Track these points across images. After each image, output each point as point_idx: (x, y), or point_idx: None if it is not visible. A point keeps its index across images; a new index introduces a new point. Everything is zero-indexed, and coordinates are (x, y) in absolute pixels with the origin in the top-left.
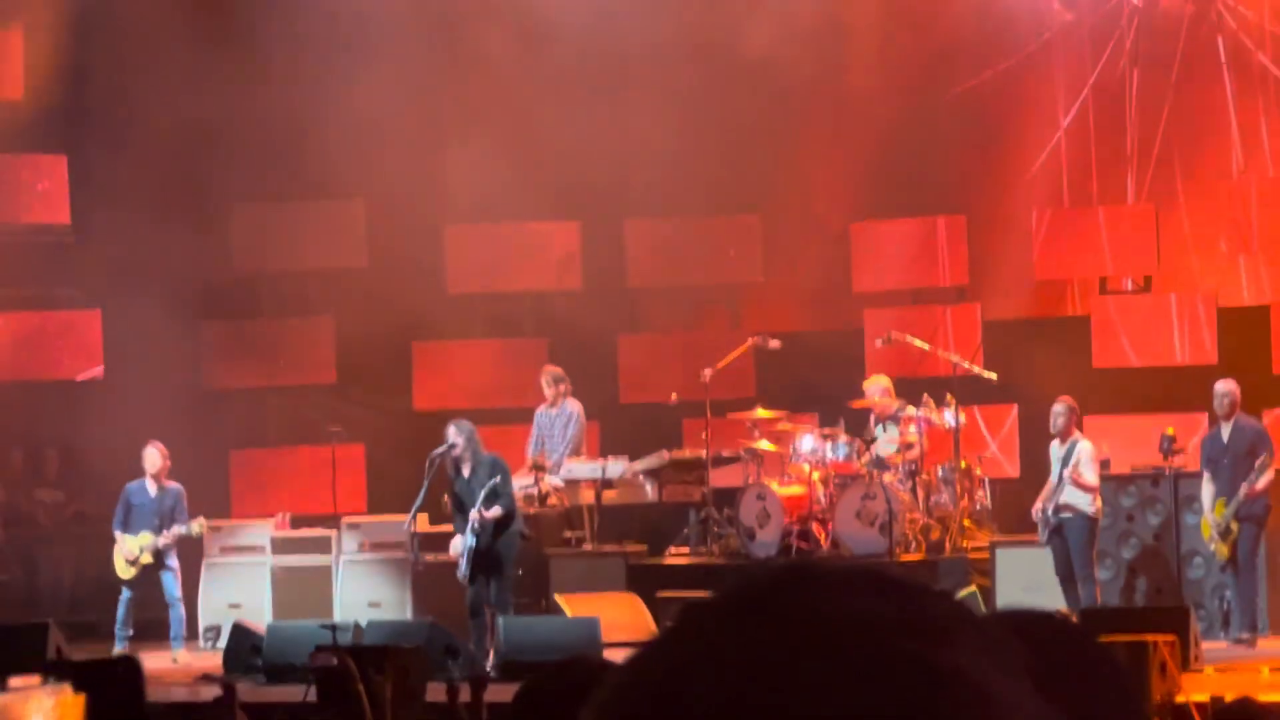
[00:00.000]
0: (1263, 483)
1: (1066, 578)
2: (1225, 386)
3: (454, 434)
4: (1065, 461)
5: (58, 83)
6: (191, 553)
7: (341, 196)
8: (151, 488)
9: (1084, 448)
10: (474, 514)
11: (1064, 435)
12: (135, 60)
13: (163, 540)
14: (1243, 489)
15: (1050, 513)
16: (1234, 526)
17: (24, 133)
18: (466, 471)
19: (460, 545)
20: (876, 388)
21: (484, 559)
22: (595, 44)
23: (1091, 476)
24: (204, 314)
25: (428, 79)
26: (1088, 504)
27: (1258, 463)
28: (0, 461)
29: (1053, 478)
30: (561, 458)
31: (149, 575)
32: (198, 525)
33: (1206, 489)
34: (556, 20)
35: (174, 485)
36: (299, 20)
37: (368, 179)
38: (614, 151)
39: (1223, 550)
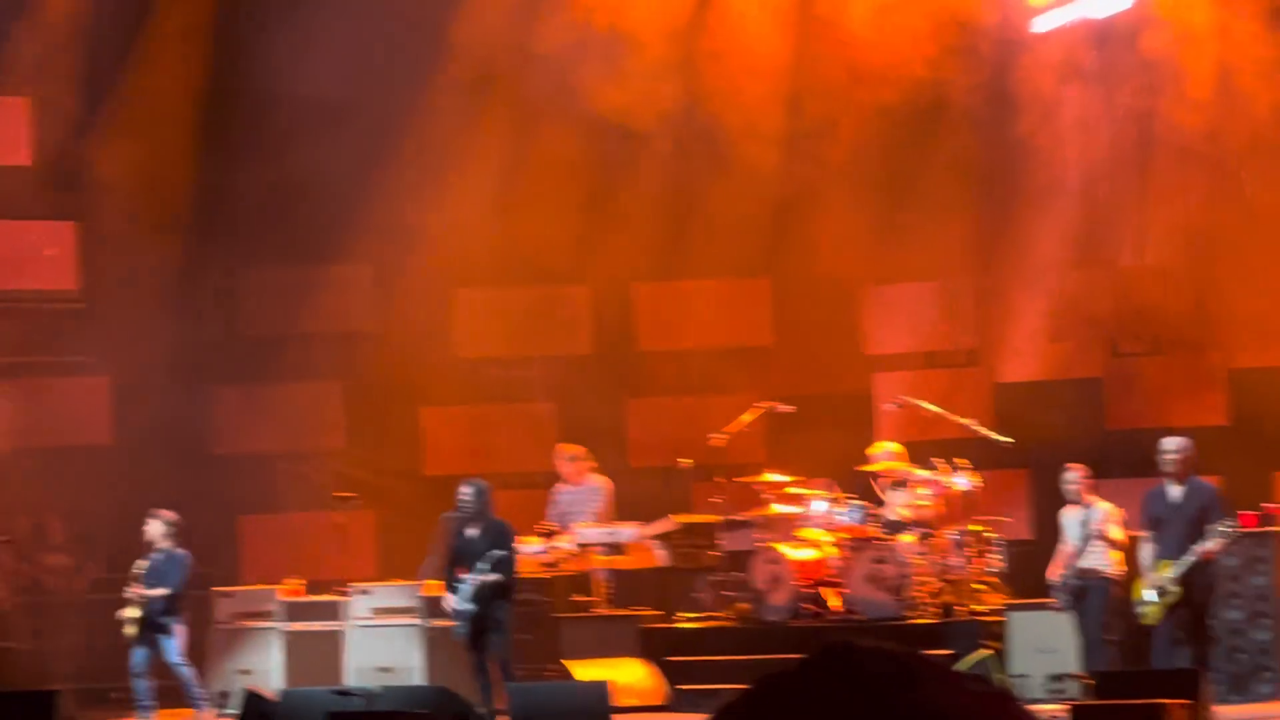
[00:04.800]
0: (1218, 547)
1: (1085, 642)
2: (1175, 444)
3: (469, 493)
4: (1086, 528)
5: (66, 148)
6: (201, 618)
7: (350, 260)
8: (156, 555)
9: (1104, 509)
10: (473, 578)
11: (1080, 501)
12: (142, 126)
13: (129, 597)
14: (1196, 550)
15: (1073, 576)
16: (1175, 590)
17: (32, 198)
18: (471, 531)
19: (454, 602)
20: (883, 453)
21: (482, 625)
22: (602, 106)
23: (1118, 534)
24: (212, 379)
25: (434, 142)
26: (1110, 566)
27: (1220, 526)
28: (7, 528)
29: (1070, 543)
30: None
31: (151, 639)
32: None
33: (1147, 549)
34: (562, 87)
35: (178, 552)
36: (303, 86)
37: (376, 243)
38: (623, 214)
39: (1155, 613)
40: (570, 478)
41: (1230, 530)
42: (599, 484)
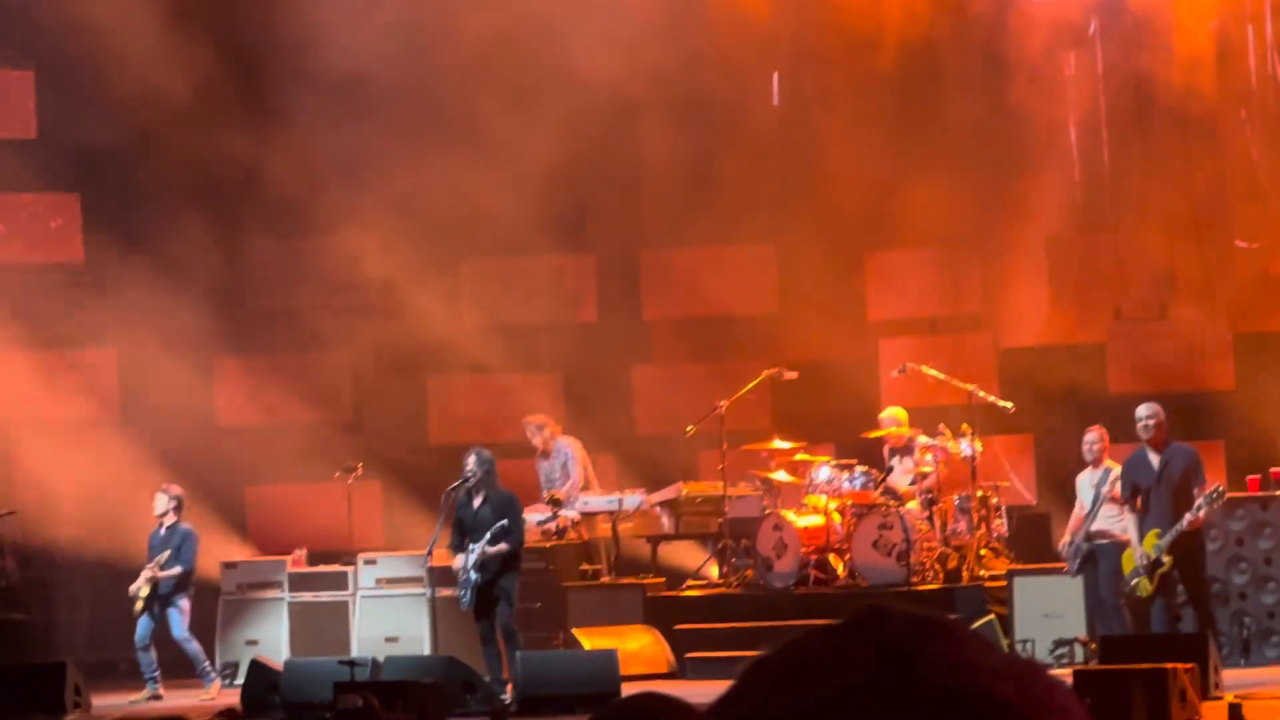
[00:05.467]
0: (1205, 515)
1: (1099, 607)
2: (1149, 410)
3: (473, 463)
4: (1099, 490)
5: (70, 121)
6: (208, 590)
7: (357, 231)
8: (161, 529)
9: (1117, 472)
10: (479, 549)
11: (1096, 463)
12: (147, 99)
13: (146, 575)
14: (1186, 519)
15: (1082, 540)
16: (1166, 560)
17: (37, 171)
18: (477, 501)
19: (459, 565)
20: (891, 419)
21: (488, 595)
22: (606, 76)
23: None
24: (218, 351)
25: (438, 110)
26: (1121, 529)
27: (1207, 493)
28: (15, 501)
29: (1082, 507)
30: (571, 490)
31: (157, 613)
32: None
33: (1132, 518)
34: (569, 53)
35: (184, 527)
36: (309, 59)
37: (384, 213)
38: (628, 183)
39: (1147, 586)
40: (543, 447)
41: (1217, 497)
42: (568, 444)
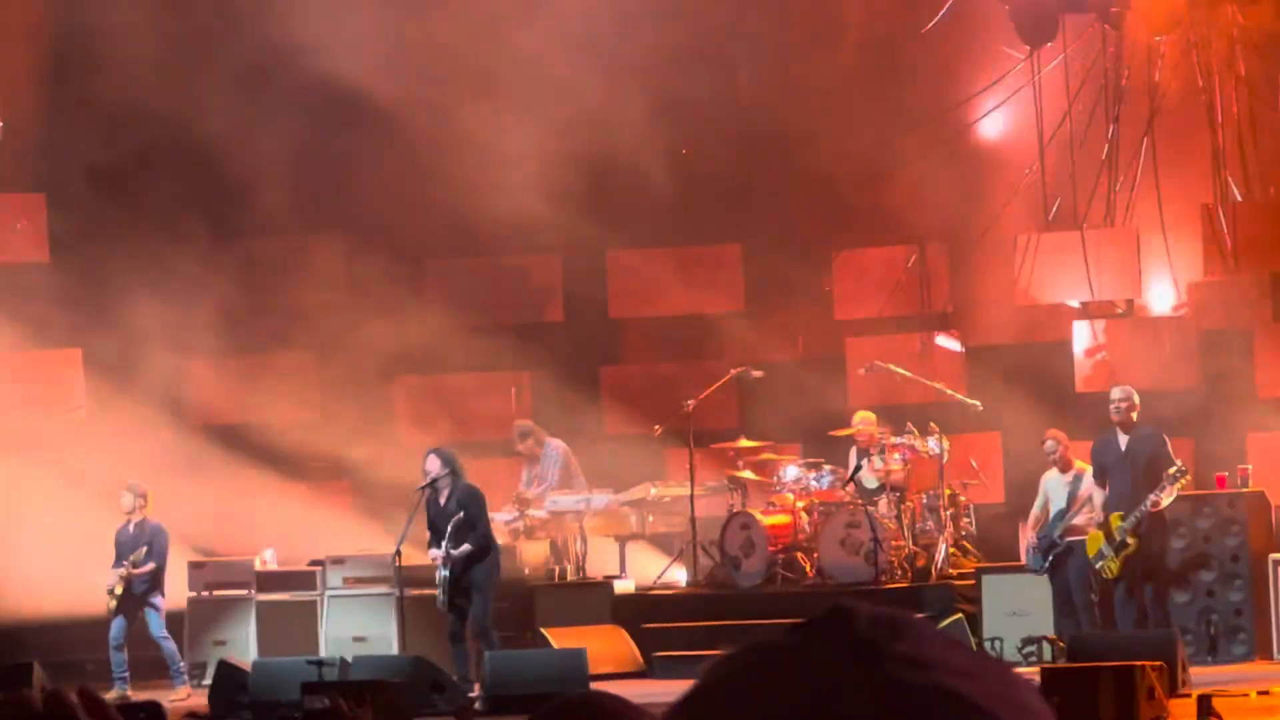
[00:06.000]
0: (1169, 496)
1: (1067, 605)
2: (1123, 392)
3: (433, 462)
4: (1074, 491)
5: (36, 120)
6: (176, 589)
7: (324, 231)
8: (129, 527)
9: (1090, 478)
10: (444, 548)
11: (1064, 466)
12: (114, 97)
13: (120, 573)
14: (1149, 499)
15: (1058, 537)
16: (1131, 541)
17: (2, 172)
18: (444, 499)
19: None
20: (860, 421)
21: (459, 590)
22: (572, 76)
23: (1099, 498)
24: (186, 351)
25: (405, 111)
26: (1091, 528)
27: (1170, 473)
28: None
29: (1042, 508)
30: (545, 492)
31: (131, 611)
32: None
33: (1099, 498)
34: (535, 53)
35: (153, 524)
36: (272, 57)
37: (350, 214)
38: (595, 183)
39: (1113, 567)
40: (530, 452)
41: (1179, 476)
42: (553, 448)
